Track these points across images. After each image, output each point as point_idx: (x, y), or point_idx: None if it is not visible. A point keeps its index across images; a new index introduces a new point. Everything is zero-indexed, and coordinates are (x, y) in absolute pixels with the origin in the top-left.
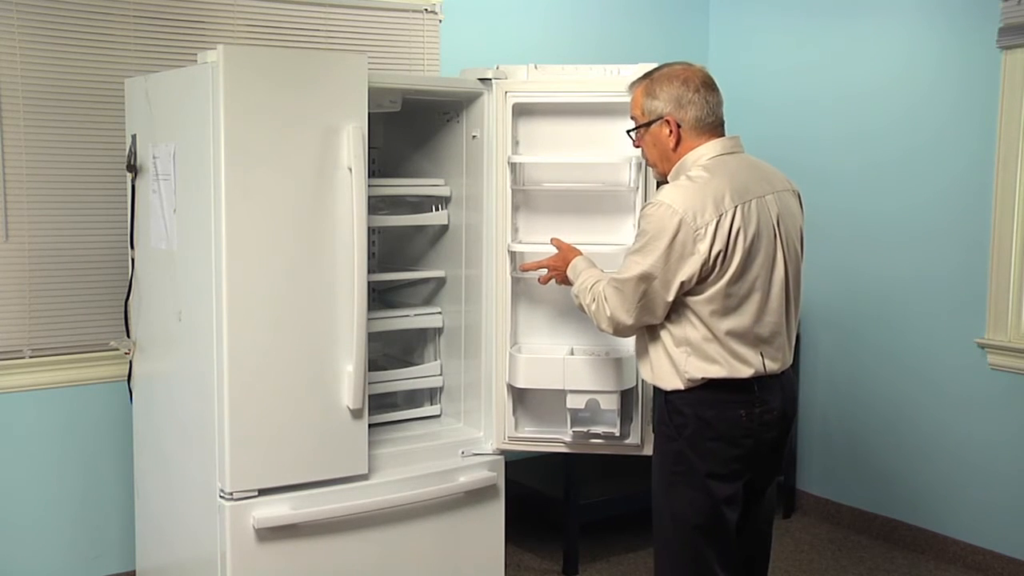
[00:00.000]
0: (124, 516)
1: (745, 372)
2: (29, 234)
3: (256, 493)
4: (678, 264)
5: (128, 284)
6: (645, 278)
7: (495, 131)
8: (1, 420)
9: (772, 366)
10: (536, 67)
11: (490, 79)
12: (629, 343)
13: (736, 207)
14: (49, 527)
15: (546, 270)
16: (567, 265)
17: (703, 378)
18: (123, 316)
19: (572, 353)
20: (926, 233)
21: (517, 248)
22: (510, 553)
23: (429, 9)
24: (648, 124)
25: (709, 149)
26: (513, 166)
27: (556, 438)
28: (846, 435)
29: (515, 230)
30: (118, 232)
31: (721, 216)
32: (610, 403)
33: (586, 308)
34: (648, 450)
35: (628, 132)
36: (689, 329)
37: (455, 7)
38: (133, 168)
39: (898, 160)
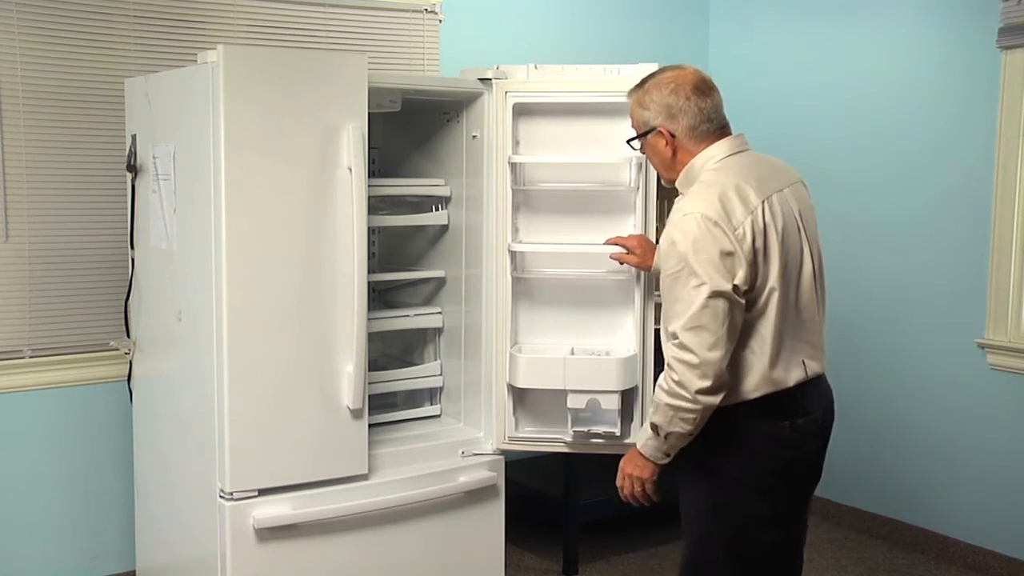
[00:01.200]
0: (124, 516)
1: (791, 380)
2: (29, 234)
3: (256, 493)
4: (731, 270)
5: (128, 284)
6: (721, 295)
7: (495, 131)
8: (1, 420)
9: (814, 367)
10: (536, 67)
11: (490, 79)
12: (629, 344)
13: (762, 203)
14: (49, 527)
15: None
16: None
17: (757, 397)
18: (123, 316)
19: (573, 353)
20: (926, 233)
21: (517, 248)
22: (510, 553)
23: (429, 9)
24: (644, 135)
25: (716, 151)
26: (513, 166)
27: (556, 438)
28: (846, 435)
29: (515, 230)
30: (118, 232)
31: (753, 214)
32: (611, 403)
33: (666, 403)
34: None
35: (628, 141)
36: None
37: (455, 7)
38: (133, 168)
39: (898, 160)
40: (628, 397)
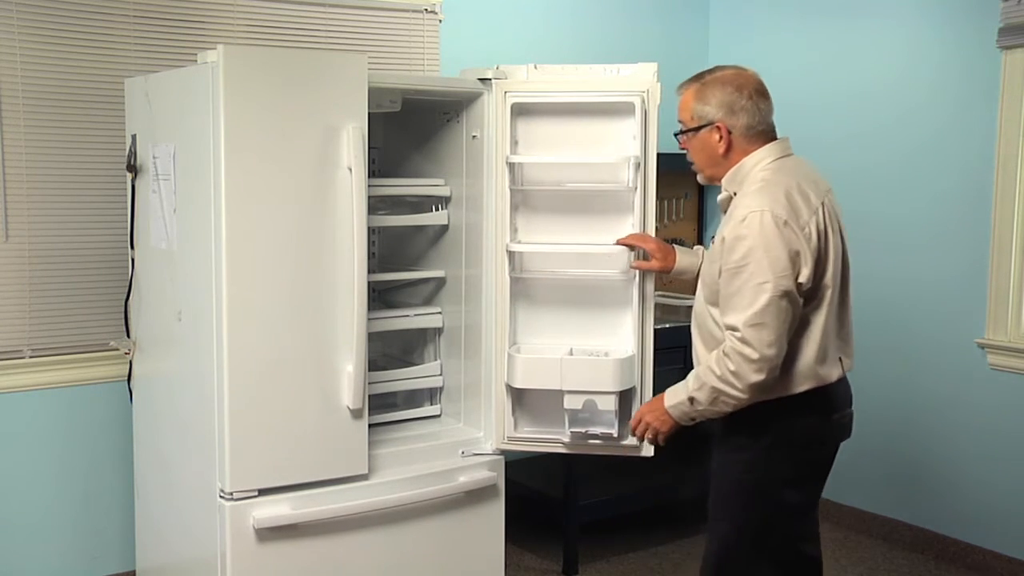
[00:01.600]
0: (124, 516)
1: (833, 376)
2: (29, 234)
3: (256, 493)
4: (797, 269)
5: (128, 284)
6: (785, 294)
7: (495, 131)
8: (1, 420)
9: (848, 364)
10: (536, 67)
11: (490, 79)
12: (627, 344)
13: (821, 203)
14: (49, 527)
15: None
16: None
17: (803, 391)
18: (123, 316)
19: (571, 353)
20: (926, 233)
21: (516, 248)
22: (510, 553)
23: (429, 9)
24: (697, 129)
25: (768, 153)
26: (512, 166)
27: (555, 438)
28: None
29: (515, 230)
30: (118, 232)
31: (816, 214)
32: (607, 404)
33: (713, 385)
34: (646, 451)
35: (675, 135)
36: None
37: (455, 7)
38: (133, 168)
39: (898, 160)
40: (625, 398)
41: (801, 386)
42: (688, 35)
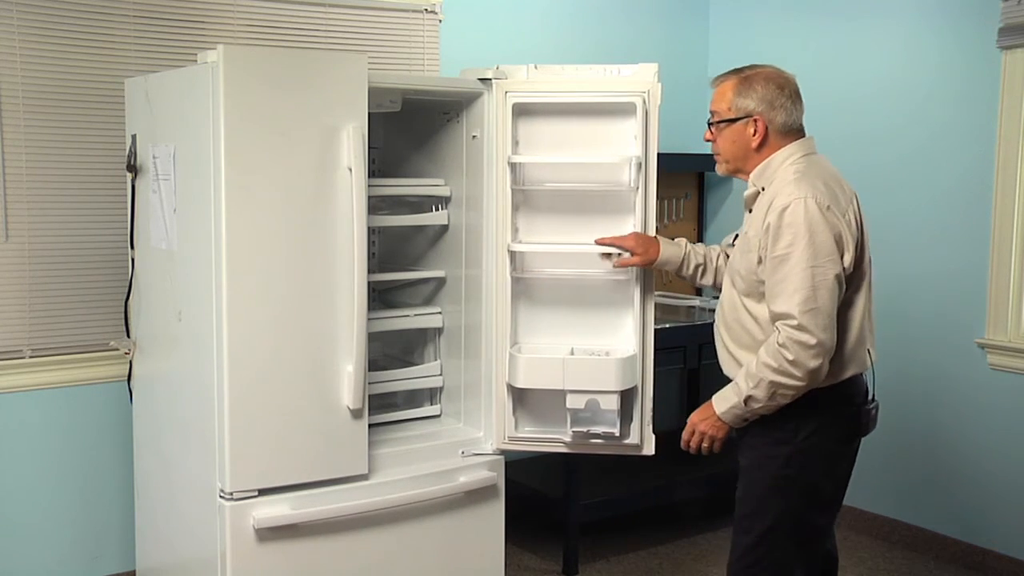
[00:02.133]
0: (124, 516)
1: (867, 364)
2: (29, 234)
3: (256, 493)
4: (842, 253)
5: (128, 284)
6: (836, 277)
7: (495, 131)
8: (1, 420)
9: (875, 355)
10: (536, 67)
11: (490, 79)
12: (629, 344)
13: (853, 198)
14: (49, 527)
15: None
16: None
17: (844, 379)
18: (123, 316)
19: (572, 353)
20: (926, 233)
21: (517, 248)
22: (510, 553)
23: (429, 9)
24: (733, 120)
25: (797, 149)
26: (513, 166)
27: (556, 438)
28: None
29: (515, 230)
30: (118, 232)
31: (852, 203)
32: (610, 403)
33: (771, 379)
34: (648, 450)
35: (709, 123)
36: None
37: (455, 7)
38: (133, 168)
39: (898, 160)
40: (627, 397)
41: (847, 372)
42: (688, 35)
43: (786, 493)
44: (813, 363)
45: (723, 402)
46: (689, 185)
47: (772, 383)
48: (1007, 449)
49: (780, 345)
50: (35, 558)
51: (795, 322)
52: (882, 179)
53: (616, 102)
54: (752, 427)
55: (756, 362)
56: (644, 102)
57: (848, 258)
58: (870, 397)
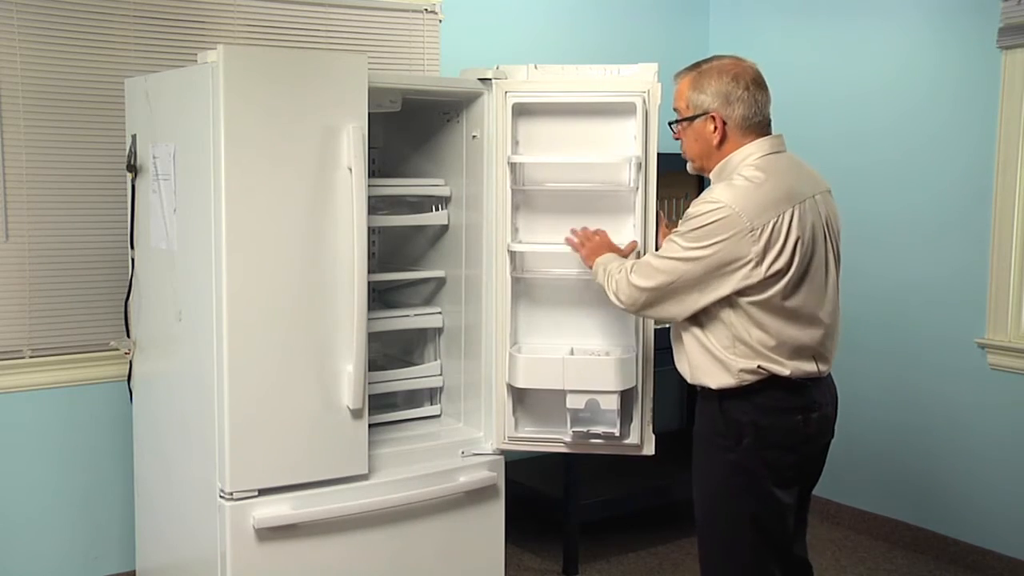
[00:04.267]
0: (124, 516)
1: (801, 374)
2: (29, 234)
3: (256, 493)
4: (724, 272)
5: (128, 284)
6: (687, 260)
7: (495, 131)
8: (1, 420)
9: (823, 368)
10: (536, 67)
11: (490, 79)
12: (628, 344)
13: (793, 207)
14: (49, 527)
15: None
16: (599, 249)
17: (758, 367)
18: (123, 316)
19: (572, 353)
20: (926, 233)
21: (517, 248)
22: (510, 553)
23: (429, 9)
24: (692, 119)
25: (757, 148)
26: (513, 166)
27: (556, 438)
28: (845, 435)
29: (515, 230)
30: (118, 232)
31: (779, 217)
32: (610, 403)
33: (604, 277)
34: (648, 450)
35: (670, 124)
36: (744, 329)
37: (455, 7)
38: (133, 168)
39: (898, 160)
40: (627, 397)
41: (748, 378)
42: (688, 35)
43: (738, 501)
44: (623, 295)
45: (600, 270)
46: (689, 185)
47: (601, 278)
48: (1007, 449)
49: (629, 264)
50: (35, 558)
51: (636, 260)
52: (882, 179)
53: (616, 102)
54: (697, 437)
55: (612, 276)
56: (644, 102)
57: (731, 285)
58: (818, 406)
